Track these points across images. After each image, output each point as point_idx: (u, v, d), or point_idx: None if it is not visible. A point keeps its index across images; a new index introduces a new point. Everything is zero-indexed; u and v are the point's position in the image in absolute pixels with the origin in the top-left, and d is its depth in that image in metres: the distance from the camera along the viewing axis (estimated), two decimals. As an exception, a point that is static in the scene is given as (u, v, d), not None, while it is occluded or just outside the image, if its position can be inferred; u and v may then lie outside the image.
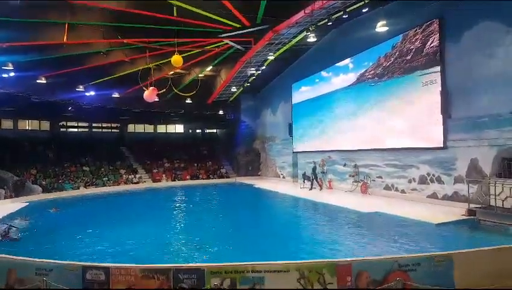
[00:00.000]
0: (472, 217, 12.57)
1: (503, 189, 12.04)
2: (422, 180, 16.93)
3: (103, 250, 10.55)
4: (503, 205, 11.90)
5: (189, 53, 22.91)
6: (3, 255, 7.37)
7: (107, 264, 6.10)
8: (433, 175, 16.34)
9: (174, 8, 16.60)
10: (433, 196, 16.26)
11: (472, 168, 14.43)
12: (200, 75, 28.28)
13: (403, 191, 18.09)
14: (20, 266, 6.56)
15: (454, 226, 12.14)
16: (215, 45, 22.88)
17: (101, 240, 11.87)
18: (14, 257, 6.99)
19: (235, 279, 5.72)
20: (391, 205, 16.08)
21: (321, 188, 23.94)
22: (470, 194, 13.47)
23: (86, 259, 8.59)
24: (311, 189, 23.98)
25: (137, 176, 33.33)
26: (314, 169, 24.39)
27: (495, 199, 12.14)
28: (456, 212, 13.46)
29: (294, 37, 22.97)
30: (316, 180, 24.19)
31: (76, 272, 6.04)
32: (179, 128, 43.72)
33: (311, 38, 21.27)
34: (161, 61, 23.78)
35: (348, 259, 6.32)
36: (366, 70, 20.86)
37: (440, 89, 15.78)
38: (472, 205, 13.08)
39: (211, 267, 5.91)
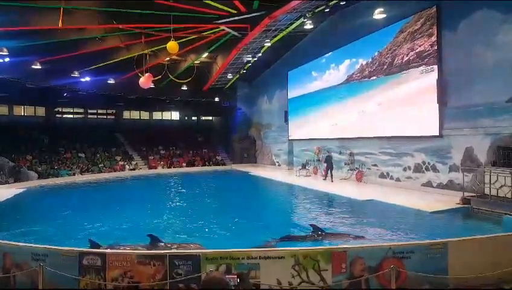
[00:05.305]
0: (466, 205, 12.64)
1: (497, 178, 12.10)
2: (417, 169, 16.99)
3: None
4: (497, 193, 11.97)
5: (185, 39, 22.70)
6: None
7: (103, 250, 6.13)
8: (428, 163, 16.40)
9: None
10: (428, 184, 16.34)
11: (467, 156, 14.49)
12: (195, 62, 28.10)
13: (397, 179, 18.17)
14: (16, 251, 6.57)
15: (449, 214, 12.22)
16: (212, 31, 22.68)
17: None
18: (10, 242, 7.00)
19: (231, 265, 5.75)
20: (386, 193, 16.15)
21: (325, 178, 22.11)
22: (465, 183, 13.55)
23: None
24: (325, 179, 22.03)
25: (133, 162, 33.30)
26: (329, 158, 22.23)
27: (489, 187, 12.21)
28: (450, 200, 13.52)
29: (291, 23, 22.79)
30: (331, 171, 21.80)
31: (73, 258, 6.06)
32: (175, 115, 43.47)
33: (308, 25, 21.14)
34: (157, 48, 23.55)
35: (343, 246, 6.36)
36: (364, 58, 20.76)
37: (437, 77, 15.77)
38: (467, 194, 13.14)
39: (207, 254, 5.93)
